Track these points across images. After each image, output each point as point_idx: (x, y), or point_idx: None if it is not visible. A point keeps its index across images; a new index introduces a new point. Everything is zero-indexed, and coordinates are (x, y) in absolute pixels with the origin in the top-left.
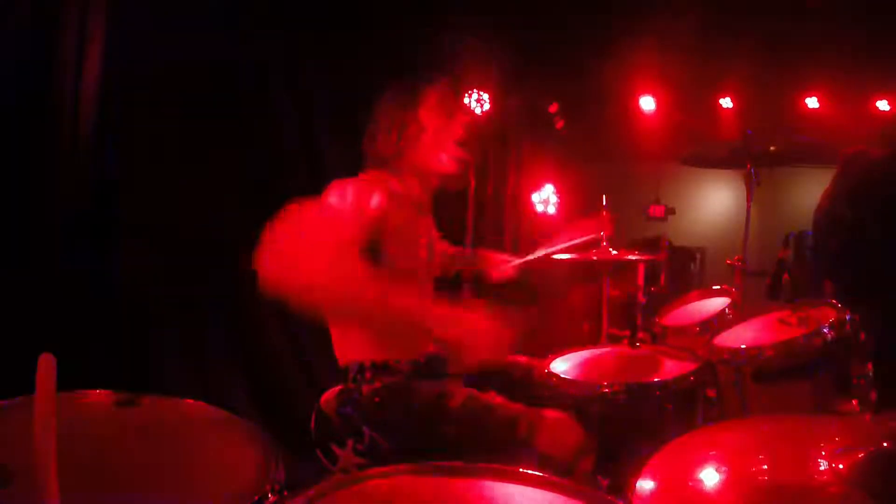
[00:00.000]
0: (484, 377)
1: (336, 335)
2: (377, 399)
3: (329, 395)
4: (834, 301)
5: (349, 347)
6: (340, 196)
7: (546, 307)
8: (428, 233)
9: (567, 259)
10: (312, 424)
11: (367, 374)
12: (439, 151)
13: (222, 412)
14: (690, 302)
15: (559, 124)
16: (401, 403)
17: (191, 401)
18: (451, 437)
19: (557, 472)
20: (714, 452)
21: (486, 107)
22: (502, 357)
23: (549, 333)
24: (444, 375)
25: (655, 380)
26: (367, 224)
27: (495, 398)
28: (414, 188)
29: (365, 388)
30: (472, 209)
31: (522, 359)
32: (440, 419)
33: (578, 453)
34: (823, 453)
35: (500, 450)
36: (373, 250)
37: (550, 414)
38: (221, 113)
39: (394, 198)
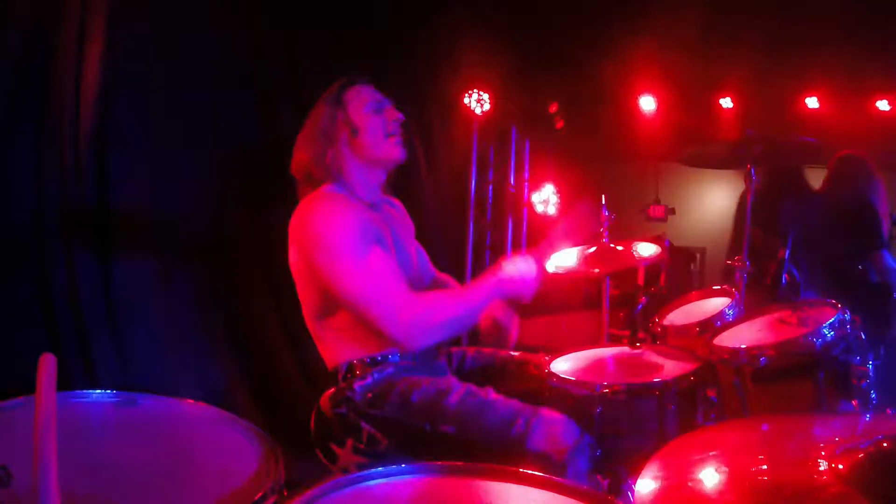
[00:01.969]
0: (480, 372)
1: (319, 340)
2: (370, 395)
3: (327, 396)
4: (834, 301)
5: (334, 349)
6: (331, 222)
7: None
8: (391, 228)
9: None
10: (312, 424)
11: (357, 372)
12: (376, 149)
13: (222, 412)
14: (690, 302)
15: (559, 124)
16: (397, 400)
17: (191, 401)
18: (449, 434)
19: (552, 470)
20: (714, 452)
21: (486, 107)
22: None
23: (550, 333)
24: (438, 367)
25: (655, 380)
26: (367, 235)
27: (492, 394)
28: (358, 191)
29: (357, 386)
30: (473, 209)
31: (517, 353)
32: (438, 416)
33: (574, 452)
34: (823, 453)
35: (497, 446)
36: None
37: (547, 412)
38: (221, 113)
39: (350, 205)
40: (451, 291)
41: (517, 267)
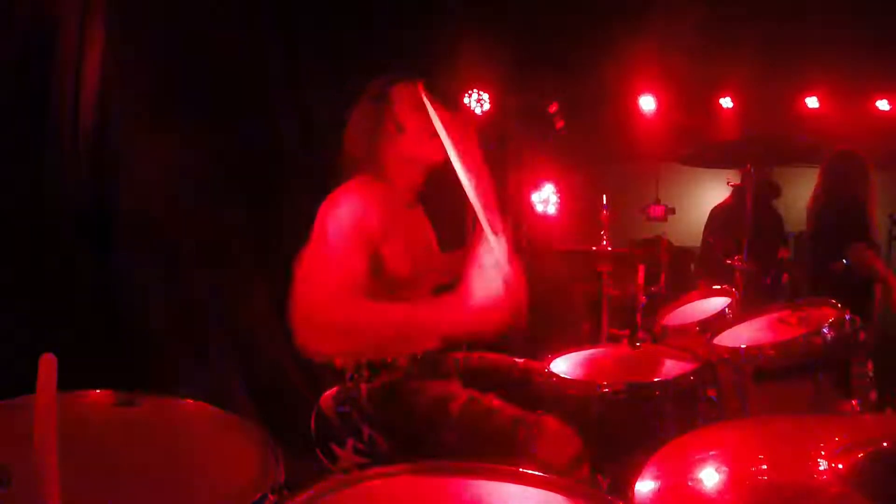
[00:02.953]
0: (484, 378)
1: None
2: (375, 397)
3: (328, 395)
4: (834, 301)
5: None
6: (338, 213)
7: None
8: (423, 232)
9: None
10: (312, 424)
11: (365, 373)
12: (419, 148)
13: (222, 412)
14: (690, 302)
15: (559, 124)
16: (401, 404)
17: (191, 401)
18: (451, 441)
19: None
20: (714, 452)
21: (486, 107)
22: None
23: (549, 333)
24: (442, 372)
25: (655, 380)
26: (369, 237)
27: (495, 402)
28: (399, 188)
29: (363, 387)
30: (473, 209)
31: (521, 360)
32: (440, 423)
33: (574, 463)
34: (823, 453)
35: (498, 454)
36: (374, 262)
37: (549, 422)
38: (221, 112)
39: (383, 202)
40: (404, 308)
41: (484, 302)
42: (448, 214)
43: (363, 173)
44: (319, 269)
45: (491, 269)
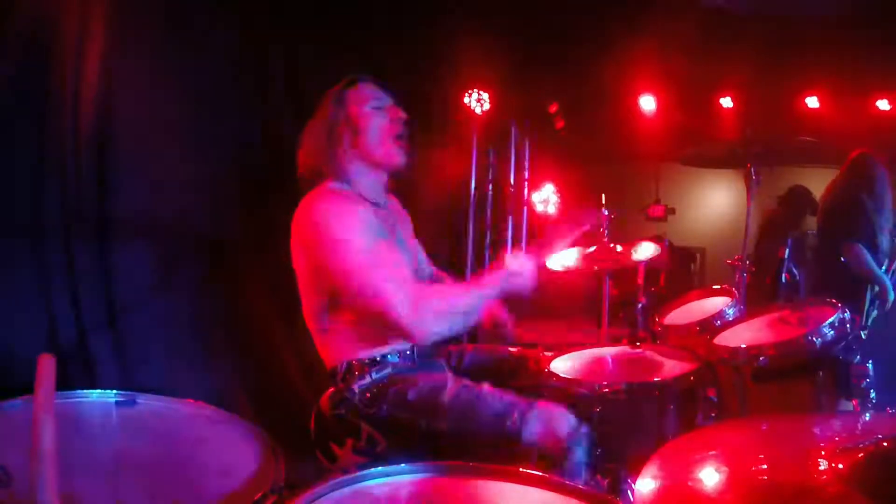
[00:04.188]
0: (480, 369)
1: (319, 340)
2: (368, 395)
3: (327, 396)
4: (834, 301)
5: (334, 349)
6: (331, 211)
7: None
8: (394, 227)
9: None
10: (312, 424)
11: (356, 372)
12: (378, 150)
13: (222, 412)
14: (690, 302)
15: (559, 124)
16: (393, 398)
17: (191, 401)
18: (445, 430)
19: (550, 462)
20: (714, 452)
21: (486, 107)
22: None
23: (549, 330)
24: (434, 365)
25: (655, 380)
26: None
27: (486, 388)
28: (362, 189)
29: (355, 387)
30: (473, 209)
31: (515, 349)
32: (433, 412)
33: (571, 442)
34: (823, 453)
35: (492, 439)
36: None
37: (542, 403)
38: (221, 112)
39: (353, 202)
40: (456, 285)
41: (519, 263)
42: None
43: (326, 180)
44: (369, 268)
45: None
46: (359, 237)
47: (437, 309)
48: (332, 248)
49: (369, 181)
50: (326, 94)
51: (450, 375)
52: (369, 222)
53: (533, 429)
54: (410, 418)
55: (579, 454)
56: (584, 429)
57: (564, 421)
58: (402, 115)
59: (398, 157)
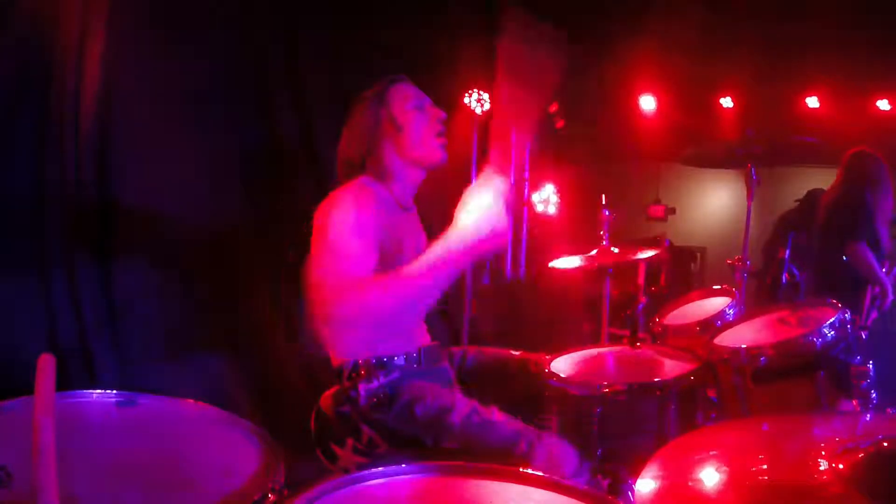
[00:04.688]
0: (482, 372)
1: (327, 335)
2: (375, 400)
3: (328, 395)
4: (834, 301)
5: (342, 346)
6: (337, 213)
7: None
8: (415, 236)
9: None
10: (312, 424)
11: (362, 372)
12: (418, 148)
13: (222, 412)
14: (690, 302)
15: (559, 124)
16: (401, 411)
17: (191, 401)
18: (451, 450)
19: None
20: (714, 452)
21: (486, 107)
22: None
23: (550, 333)
24: (441, 371)
25: (655, 380)
26: (372, 234)
27: (496, 414)
28: (396, 190)
29: (361, 388)
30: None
31: (518, 353)
32: (441, 433)
33: (572, 477)
34: (823, 453)
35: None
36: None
37: (549, 436)
38: (221, 112)
39: (379, 203)
40: (409, 267)
41: (481, 201)
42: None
43: (362, 175)
44: (326, 269)
45: (487, 192)
46: (348, 231)
47: (371, 305)
48: (320, 237)
49: (405, 181)
50: (363, 93)
51: (458, 394)
52: (374, 226)
53: (539, 460)
54: (416, 434)
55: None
56: (586, 465)
57: (569, 456)
58: (442, 114)
59: (440, 155)
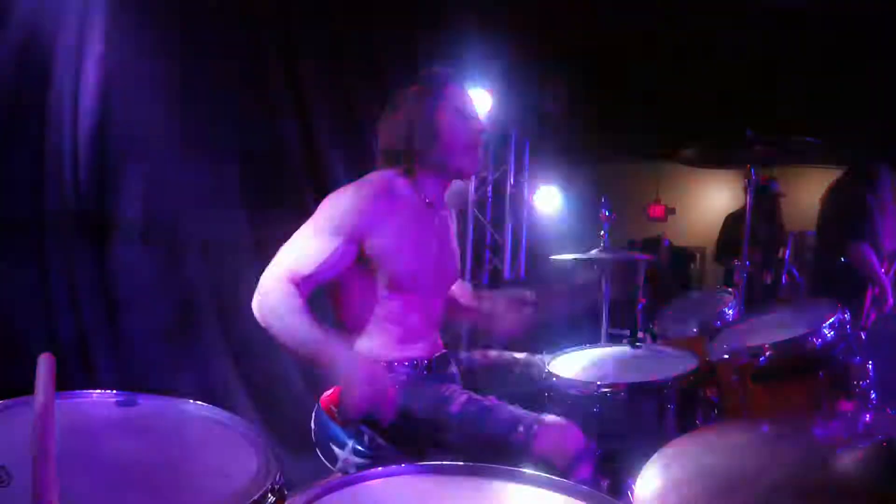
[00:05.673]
0: (486, 374)
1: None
2: None
3: (328, 395)
4: (834, 301)
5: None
6: (333, 200)
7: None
8: (442, 233)
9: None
10: (312, 424)
11: None
12: (456, 157)
13: (222, 412)
14: (690, 302)
15: (559, 124)
16: (400, 409)
17: (191, 401)
18: (450, 442)
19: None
20: (714, 452)
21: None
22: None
23: (550, 333)
24: (447, 377)
25: (655, 380)
26: (352, 227)
27: (493, 401)
28: (425, 187)
29: None
30: (473, 209)
31: (521, 356)
32: (440, 424)
33: (577, 459)
34: (823, 453)
35: (498, 453)
36: (361, 253)
37: (550, 418)
38: (221, 112)
39: (398, 197)
40: (316, 329)
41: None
42: None
43: (393, 166)
44: (288, 245)
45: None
46: (318, 221)
47: (282, 317)
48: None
49: (436, 181)
50: (411, 88)
51: (457, 387)
52: (353, 218)
53: (539, 443)
54: (416, 431)
55: (585, 471)
56: (591, 445)
57: (572, 436)
58: (484, 126)
59: (473, 167)
